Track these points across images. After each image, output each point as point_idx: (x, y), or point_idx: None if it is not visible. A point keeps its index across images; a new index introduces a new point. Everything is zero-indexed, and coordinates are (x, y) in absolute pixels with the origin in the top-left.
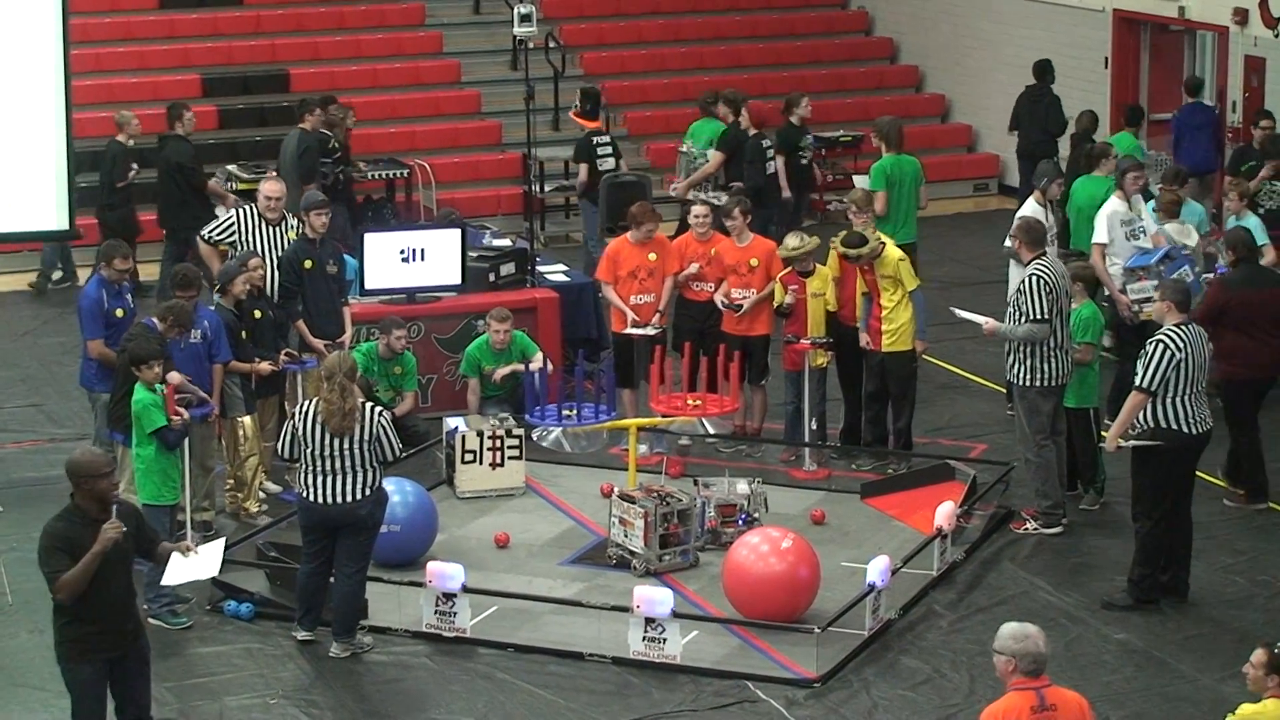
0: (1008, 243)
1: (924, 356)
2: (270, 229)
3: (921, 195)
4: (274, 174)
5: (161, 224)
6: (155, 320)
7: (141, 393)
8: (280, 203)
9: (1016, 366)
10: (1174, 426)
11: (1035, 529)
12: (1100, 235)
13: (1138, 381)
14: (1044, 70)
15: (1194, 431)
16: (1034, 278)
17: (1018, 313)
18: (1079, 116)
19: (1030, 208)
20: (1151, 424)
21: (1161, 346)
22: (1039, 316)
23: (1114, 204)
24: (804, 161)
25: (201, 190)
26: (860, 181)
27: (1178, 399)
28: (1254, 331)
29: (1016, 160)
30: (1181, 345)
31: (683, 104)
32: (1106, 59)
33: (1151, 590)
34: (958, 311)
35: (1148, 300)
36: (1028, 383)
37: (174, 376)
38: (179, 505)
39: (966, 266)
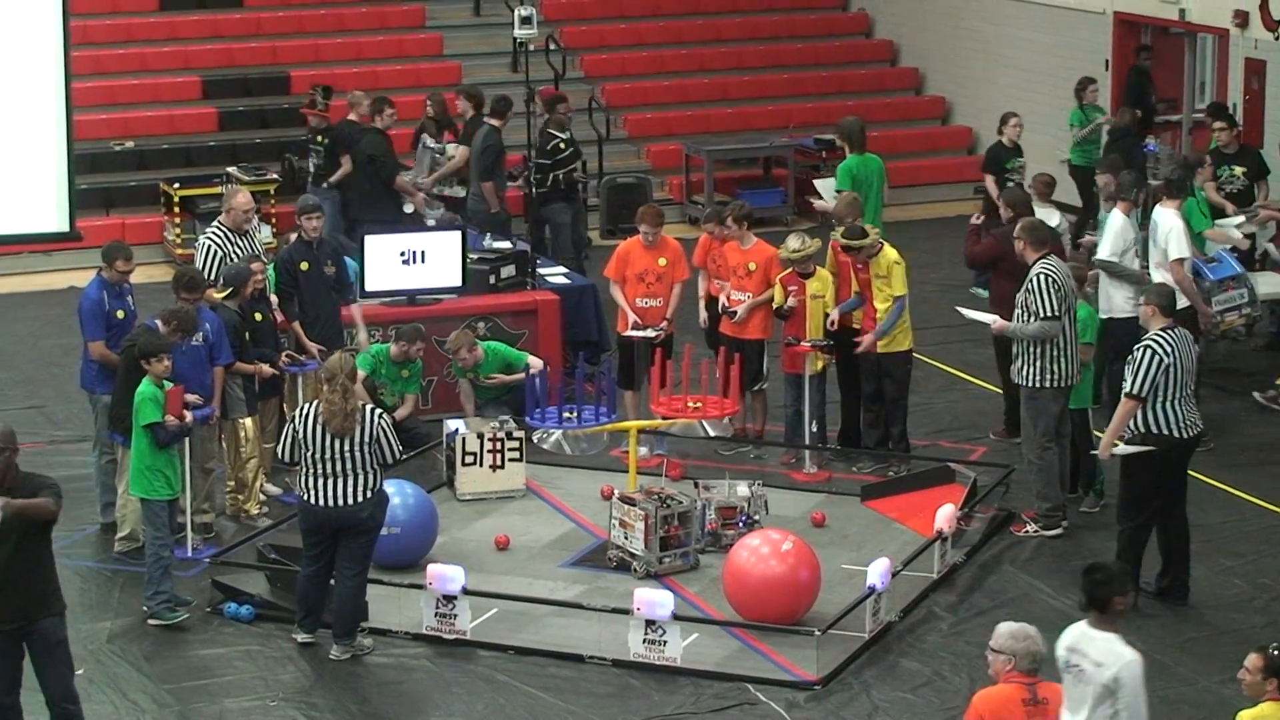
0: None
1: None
2: (239, 238)
3: (885, 193)
4: (241, 186)
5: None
6: (159, 323)
7: (145, 386)
8: (251, 213)
9: (1026, 368)
10: (1164, 431)
11: (1035, 531)
12: (1182, 250)
13: (1127, 388)
14: (1138, 51)
15: (1183, 435)
16: (1042, 276)
17: (1025, 312)
18: (1120, 113)
19: (1118, 218)
20: (1142, 429)
21: (1149, 352)
22: (1051, 314)
23: (1177, 217)
24: (1010, 183)
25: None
26: (823, 186)
27: (1167, 403)
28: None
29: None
30: (1169, 350)
31: (682, 106)
32: (1107, 61)
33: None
34: (964, 312)
35: (1233, 309)
36: (1038, 384)
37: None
38: (179, 506)
39: (964, 269)
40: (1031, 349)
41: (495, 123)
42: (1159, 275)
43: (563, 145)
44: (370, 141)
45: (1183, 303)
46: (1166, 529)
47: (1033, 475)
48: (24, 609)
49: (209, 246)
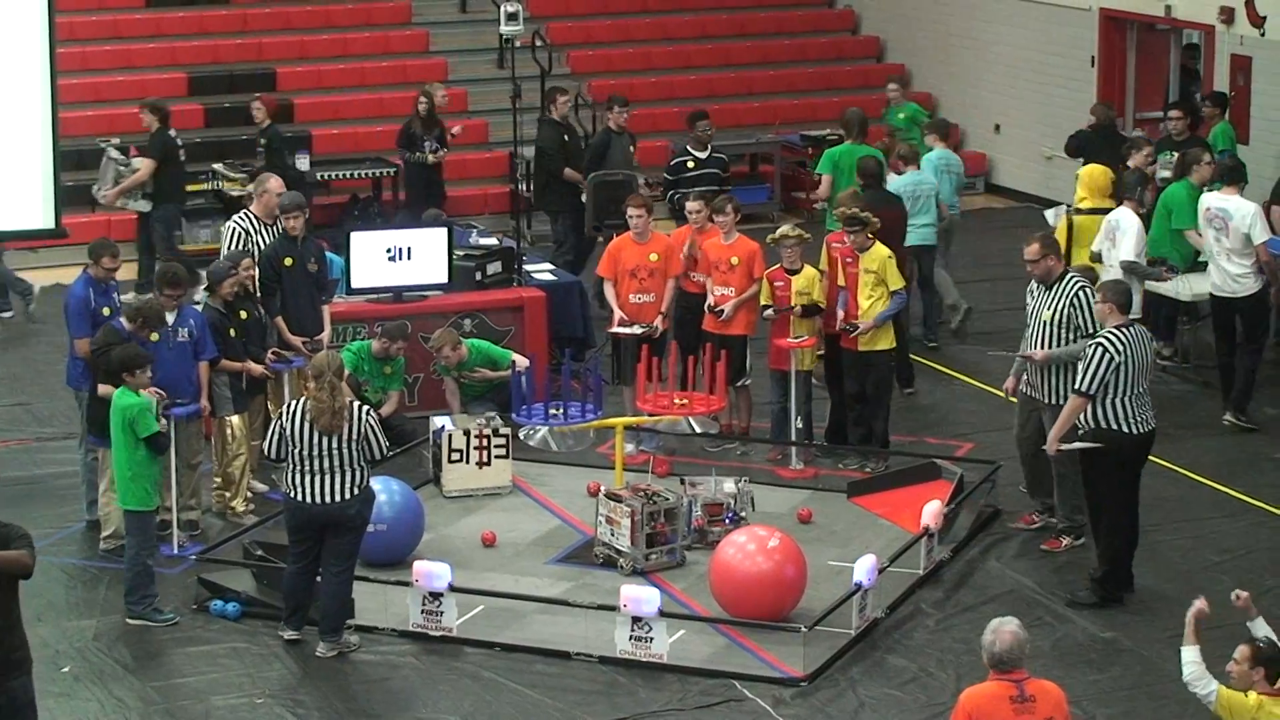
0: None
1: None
2: (267, 229)
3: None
4: (272, 174)
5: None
6: (123, 320)
7: (132, 397)
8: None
9: (1060, 386)
10: (1114, 427)
11: (1070, 544)
12: (1266, 231)
13: (1076, 385)
14: (1188, 49)
15: (1135, 432)
16: (1086, 290)
17: (1067, 329)
18: (1094, 108)
19: (1126, 216)
20: (1092, 425)
21: (1100, 350)
22: (1098, 329)
23: (1247, 201)
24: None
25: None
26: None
27: (1117, 400)
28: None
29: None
30: (1121, 349)
31: (670, 103)
32: (1093, 58)
33: (1116, 588)
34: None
35: None
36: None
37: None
38: (165, 505)
39: (952, 266)
40: (1070, 364)
41: (610, 124)
42: (1227, 260)
43: (691, 165)
44: (541, 134)
45: (1250, 289)
46: (1127, 525)
47: (1065, 489)
48: (3, 667)
49: (234, 231)
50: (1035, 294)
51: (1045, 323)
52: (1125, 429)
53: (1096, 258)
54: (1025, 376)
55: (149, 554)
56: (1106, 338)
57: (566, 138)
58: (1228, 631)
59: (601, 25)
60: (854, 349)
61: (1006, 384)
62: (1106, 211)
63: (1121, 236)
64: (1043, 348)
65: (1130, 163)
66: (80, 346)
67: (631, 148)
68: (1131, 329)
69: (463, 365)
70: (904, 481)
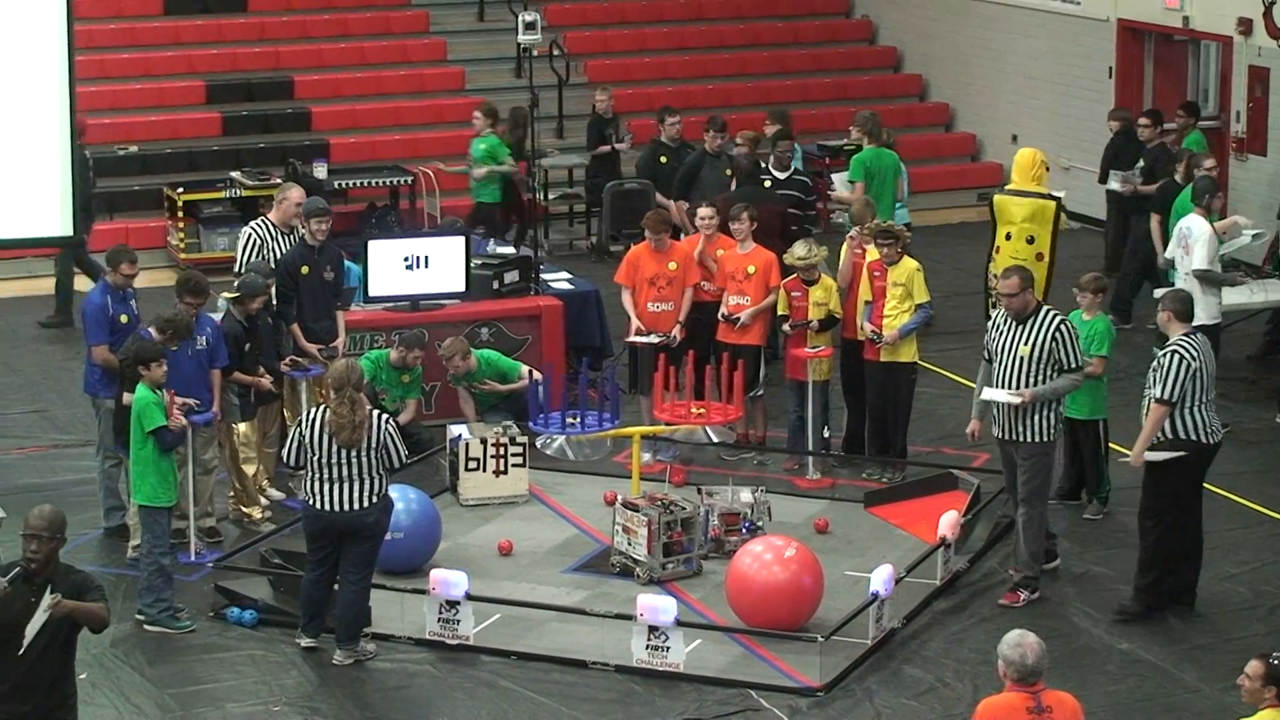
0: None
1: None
2: (283, 237)
3: (900, 186)
4: (294, 184)
5: None
6: (152, 330)
7: (142, 391)
8: (300, 209)
9: (1040, 423)
10: (1192, 437)
11: (1028, 598)
12: None
13: (1158, 394)
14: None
15: (1209, 441)
16: (1066, 324)
17: (1047, 364)
18: (1115, 114)
19: (1198, 224)
20: (1170, 435)
21: (1178, 357)
22: (1079, 364)
23: None
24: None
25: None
26: (839, 179)
27: (1193, 409)
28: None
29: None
30: (1195, 355)
31: (687, 112)
32: (1110, 69)
33: (1160, 596)
34: (986, 395)
35: None
36: (1049, 437)
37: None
38: (179, 511)
39: (968, 275)
40: (1051, 402)
41: (709, 147)
42: None
43: (768, 184)
44: (641, 154)
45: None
46: (1180, 533)
47: (1035, 528)
48: (39, 717)
49: (250, 237)
50: (1004, 328)
51: (1023, 358)
52: (1201, 439)
53: (1170, 265)
54: (994, 415)
55: (161, 552)
56: (1180, 344)
57: (663, 159)
58: (1242, 644)
59: (619, 34)
60: (877, 359)
61: (970, 428)
62: (1030, 195)
63: (1195, 244)
64: (1021, 386)
65: (1191, 171)
66: (98, 353)
67: (728, 171)
68: (1197, 336)
69: (471, 376)
70: (921, 492)
